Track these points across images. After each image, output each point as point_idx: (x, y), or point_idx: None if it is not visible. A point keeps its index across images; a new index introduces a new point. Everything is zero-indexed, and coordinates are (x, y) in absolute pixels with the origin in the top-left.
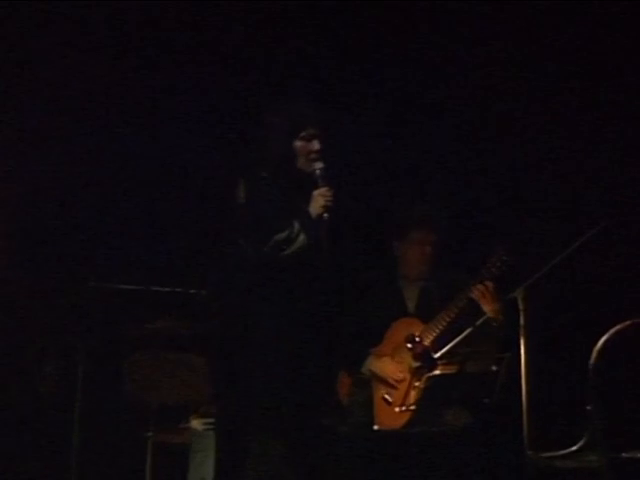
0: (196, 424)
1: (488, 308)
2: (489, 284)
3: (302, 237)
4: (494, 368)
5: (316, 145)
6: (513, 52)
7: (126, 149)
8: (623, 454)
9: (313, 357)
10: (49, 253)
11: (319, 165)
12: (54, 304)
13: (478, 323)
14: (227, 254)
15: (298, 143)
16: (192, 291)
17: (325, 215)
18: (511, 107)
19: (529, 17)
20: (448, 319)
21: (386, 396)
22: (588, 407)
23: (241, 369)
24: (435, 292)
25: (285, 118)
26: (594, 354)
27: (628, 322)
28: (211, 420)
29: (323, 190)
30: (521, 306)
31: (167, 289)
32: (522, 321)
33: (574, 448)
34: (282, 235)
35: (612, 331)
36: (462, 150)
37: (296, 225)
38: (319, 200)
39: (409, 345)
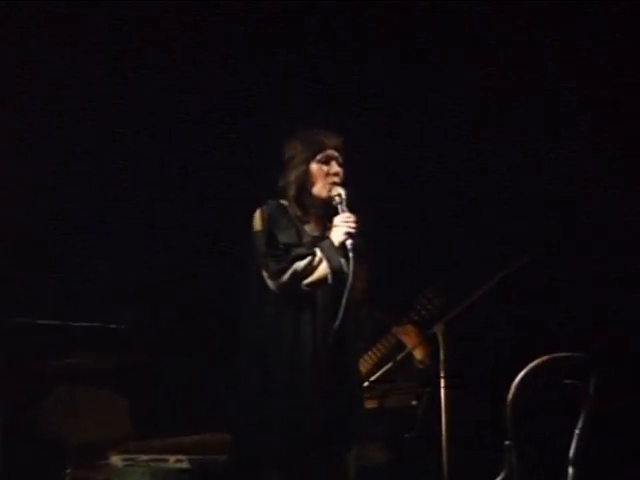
0: (116, 460)
1: (416, 351)
2: (416, 327)
3: (324, 266)
4: (414, 403)
5: (334, 167)
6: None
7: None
8: None
9: (336, 392)
10: None
11: (338, 191)
12: None
13: (399, 358)
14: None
15: (314, 166)
16: (112, 326)
17: (349, 243)
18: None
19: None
20: (375, 359)
21: None
22: (507, 442)
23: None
24: (363, 331)
25: (301, 142)
26: (512, 389)
27: (546, 357)
28: (131, 456)
29: (345, 216)
30: (441, 341)
31: (86, 324)
32: (442, 356)
33: None
34: (301, 264)
35: (530, 366)
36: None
37: (318, 253)
38: (341, 227)
39: None
